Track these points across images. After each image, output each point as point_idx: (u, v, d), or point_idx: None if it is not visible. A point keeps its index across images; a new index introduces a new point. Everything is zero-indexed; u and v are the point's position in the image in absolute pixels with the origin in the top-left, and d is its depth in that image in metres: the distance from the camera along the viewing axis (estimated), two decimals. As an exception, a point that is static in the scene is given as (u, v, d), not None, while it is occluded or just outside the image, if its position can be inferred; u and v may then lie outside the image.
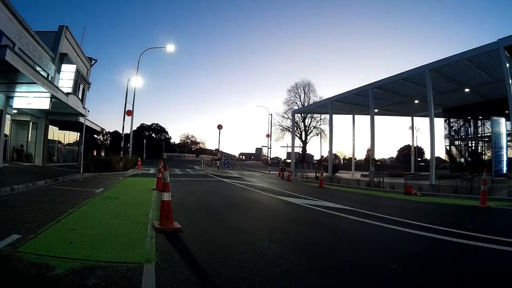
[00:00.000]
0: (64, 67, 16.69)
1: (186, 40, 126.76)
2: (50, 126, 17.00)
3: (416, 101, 19.73)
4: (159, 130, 76.82)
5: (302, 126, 49.78)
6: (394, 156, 69.43)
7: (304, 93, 49.03)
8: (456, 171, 19.89)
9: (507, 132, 16.61)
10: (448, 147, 24.35)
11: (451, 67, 14.22)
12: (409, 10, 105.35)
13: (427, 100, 14.62)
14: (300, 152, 49.73)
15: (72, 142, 22.62)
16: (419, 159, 45.31)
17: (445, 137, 24.24)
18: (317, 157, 45.35)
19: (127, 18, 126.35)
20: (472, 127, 22.92)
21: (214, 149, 67.35)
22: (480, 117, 22.01)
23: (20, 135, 15.40)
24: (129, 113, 19.23)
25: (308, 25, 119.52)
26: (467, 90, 17.20)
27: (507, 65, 11.19)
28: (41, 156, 15.85)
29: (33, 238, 3.18)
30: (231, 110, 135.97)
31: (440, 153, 28.73)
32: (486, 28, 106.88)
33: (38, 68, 13.02)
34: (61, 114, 15.66)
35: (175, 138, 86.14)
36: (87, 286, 2.13)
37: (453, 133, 23.87)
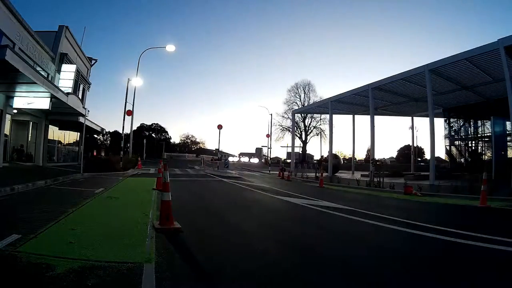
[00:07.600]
0: (64, 67, 16.70)
1: (187, 40, 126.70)
2: (50, 126, 17.01)
3: (416, 101, 19.72)
4: (159, 130, 76.80)
5: (302, 126, 49.74)
6: (394, 156, 69.26)
7: (304, 93, 49.02)
8: (456, 171, 19.87)
9: (507, 132, 16.62)
10: (448, 147, 24.31)
11: (451, 67, 14.20)
12: (409, 10, 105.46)
13: (427, 100, 14.62)
14: (300, 152, 49.71)
15: (72, 142, 22.61)
16: (419, 159, 45.25)
17: (445, 137, 24.18)
18: (317, 157, 45.29)
19: (127, 18, 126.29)
20: (472, 127, 22.88)
21: (214, 149, 67.32)
22: (480, 117, 21.98)
23: (20, 135, 15.38)
24: (129, 113, 19.23)
25: (309, 25, 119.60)
26: (467, 90, 17.19)
27: (507, 65, 11.18)
28: (41, 156, 15.85)
29: (33, 238, 3.18)
30: (231, 110, 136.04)
31: (440, 153, 28.68)
32: (486, 28, 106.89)
33: (38, 68, 13.02)
34: (61, 114, 15.67)
35: (175, 138, 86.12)
36: (87, 286, 2.13)
37: (453, 133, 23.83)
